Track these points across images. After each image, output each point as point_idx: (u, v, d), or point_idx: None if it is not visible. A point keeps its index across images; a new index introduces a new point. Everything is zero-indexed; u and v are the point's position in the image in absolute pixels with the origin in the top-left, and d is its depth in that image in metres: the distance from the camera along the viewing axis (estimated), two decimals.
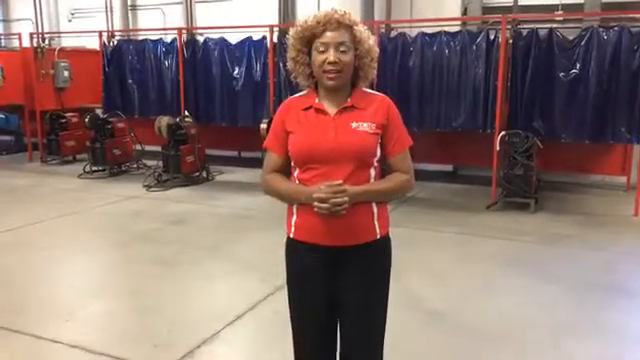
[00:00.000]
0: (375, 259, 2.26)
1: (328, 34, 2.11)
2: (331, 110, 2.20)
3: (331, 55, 2.10)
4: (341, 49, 2.11)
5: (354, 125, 2.16)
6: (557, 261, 5.41)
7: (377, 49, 2.23)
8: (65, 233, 6.41)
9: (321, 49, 2.12)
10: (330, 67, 2.10)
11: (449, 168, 9.80)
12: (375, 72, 2.25)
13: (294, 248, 2.28)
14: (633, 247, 5.84)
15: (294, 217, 2.25)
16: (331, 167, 2.13)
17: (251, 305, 4.34)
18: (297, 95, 2.31)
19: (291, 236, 2.28)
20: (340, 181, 2.07)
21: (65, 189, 8.62)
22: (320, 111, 2.20)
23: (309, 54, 2.18)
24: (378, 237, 2.23)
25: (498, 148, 7.40)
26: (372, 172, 2.21)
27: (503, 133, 7.41)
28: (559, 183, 8.66)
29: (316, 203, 2.06)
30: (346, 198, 2.05)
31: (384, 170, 2.28)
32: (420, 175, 8.80)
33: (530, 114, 7.77)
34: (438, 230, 6.45)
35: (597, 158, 8.57)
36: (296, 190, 2.21)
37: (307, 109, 2.23)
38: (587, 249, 5.79)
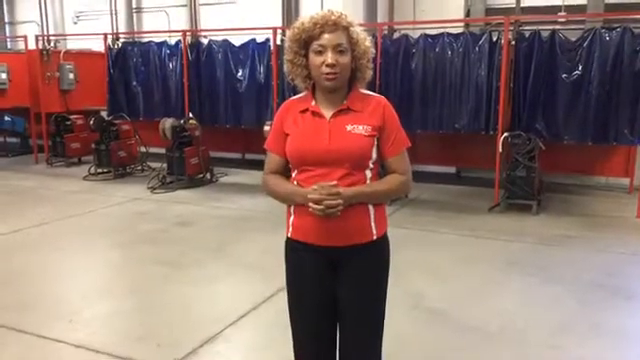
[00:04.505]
0: (372, 260, 2.27)
1: (325, 36, 2.11)
2: (327, 113, 2.21)
3: (329, 57, 2.10)
4: (339, 50, 2.12)
5: (349, 128, 2.17)
6: (559, 262, 5.42)
7: (373, 50, 2.25)
8: (70, 234, 6.46)
9: (318, 51, 2.13)
10: (328, 69, 2.11)
11: (452, 170, 9.82)
12: (372, 73, 2.26)
13: (292, 248, 2.31)
14: (635, 249, 5.83)
15: (292, 217, 2.28)
16: (326, 169, 2.15)
17: (254, 305, 4.38)
18: (296, 97, 2.33)
19: (289, 236, 2.30)
20: (334, 182, 2.09)
21: (70, 191, 8.69)
22: (316, 114, 2.22)
23: (306, 56, 2.18)
24: (375, 238, 2.24)
25: (501, 150, 7.41)
26: (368, 174, 2.21)
27: (506, 135, 7.41)
28: (562, 185, 8.65)
29: (310, 204, 2.08)
30: (340, 200, 2.06)
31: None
32: (423, 177, 8.81)
33: (533, 116, 7.78)
34: (440, 231, 6.46)
35: (600, 160, 8.57)
36: (292, 191, 2.22)
37: (304, 112, 2.24)
38: (589, 251, 5.79)
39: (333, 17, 2.12)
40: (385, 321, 2.34)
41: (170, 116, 9.37)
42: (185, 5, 12.04)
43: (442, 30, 8.27)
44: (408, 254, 5.18)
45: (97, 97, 11.20)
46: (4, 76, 10.90)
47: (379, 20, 9.50)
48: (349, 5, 8.57)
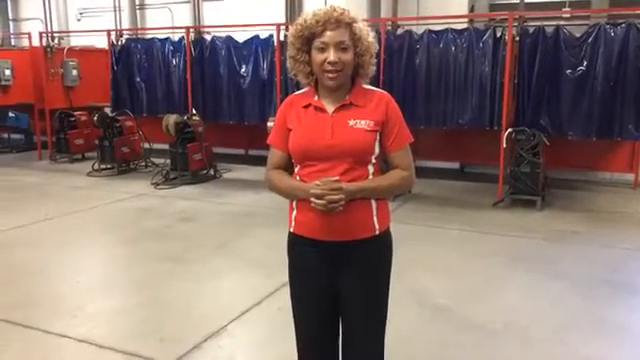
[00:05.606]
0: (375, 255, 2.27)
1: (328, 33, 2.10)
2: (330, 108, 2.20)
3: (331, 55, 2.09)
4: (341, 47, 2.10)
5: (351, 123, 2.17)
6: (563, 258, 5.40)
7: (376, 45, 2.23)
8: (74, 230, 6.47)
9: (321, 48, 2.11)
10: (330, 67, 2.10)
11: (456, 165, 9.79)
12: (375, 69, 2.25)
13: (295, 243, 2.30)
14: None
15: (294, 212, 2.27)
16: (328, 164, 2.15)
17: (257, 301, 4.38)
18: (299, 92, 2.32)
19: (292, 231, 2.30)
20: (336, 177, 2.08)
21: (74, 187, 8.70)
22: (319, 109, 2.21)
23: (308, 52, 2.17)
24: (377, 233, 2.23)
25: (505, 145, 7.39)
26: (370, 169, 2.21)
27: (510, 130, 7.40)
28: (566, 180, 8.62)
29: (313, 199, 2.08)
30: (342, 195, 2.06)
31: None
32: (426, 172, 8.81)
33: (537, 111, 7.75)
34: (444, 227, 6.45)
35: (604, 155, 8.54)
36: (295, 186, 2.22)
37: (307, 107, 2.24)
38: (594, 246, 5.77)
39: (335, 14, 2.11)
40: (388, 317, 2.34)
41: (173, 112, 9.37)
42: (188, 1, 12.04)
43: (446, 26, 8.25)
44: (411, 250, 5.17)
45: (101, 93, 11.21)
46: (8, 73, 10.90)
47: (382, 16, 9.47)
48: (352, 1, 8.54)
